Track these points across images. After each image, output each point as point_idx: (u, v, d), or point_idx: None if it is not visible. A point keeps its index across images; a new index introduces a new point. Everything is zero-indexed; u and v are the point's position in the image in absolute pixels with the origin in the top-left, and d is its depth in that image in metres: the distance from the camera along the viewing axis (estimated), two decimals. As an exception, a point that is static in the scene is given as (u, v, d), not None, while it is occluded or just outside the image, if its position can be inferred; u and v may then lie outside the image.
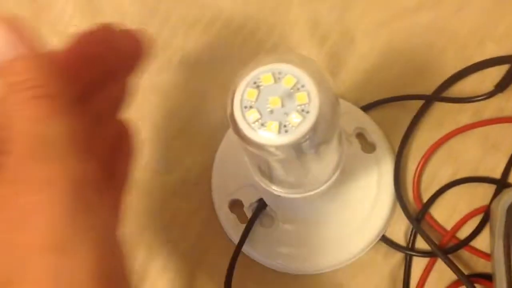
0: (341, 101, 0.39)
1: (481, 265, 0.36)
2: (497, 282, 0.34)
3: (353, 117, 0.39)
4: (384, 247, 0.37)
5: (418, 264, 0.36)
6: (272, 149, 0.25)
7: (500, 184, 0.37)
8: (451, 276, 0.36)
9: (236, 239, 0.36)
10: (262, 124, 0.25)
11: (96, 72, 0.26)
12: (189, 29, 0.41)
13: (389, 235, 0.37)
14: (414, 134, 0.39)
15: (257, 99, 0.25)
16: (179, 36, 0.41)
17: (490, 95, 0.38)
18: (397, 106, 0.39)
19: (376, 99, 0.39)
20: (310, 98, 0.25)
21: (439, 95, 0.39)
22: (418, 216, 0.37)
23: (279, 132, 0.25)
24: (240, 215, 0.37)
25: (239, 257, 0.36)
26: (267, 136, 0.25)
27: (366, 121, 0.39)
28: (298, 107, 0.25)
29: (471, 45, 0.39)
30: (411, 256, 0.37)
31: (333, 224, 0.36)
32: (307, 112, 0.25)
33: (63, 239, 0.22)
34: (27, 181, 0.22)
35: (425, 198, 0.38)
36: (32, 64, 0.23)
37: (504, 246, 0.33)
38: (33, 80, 0.23)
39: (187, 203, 0.38)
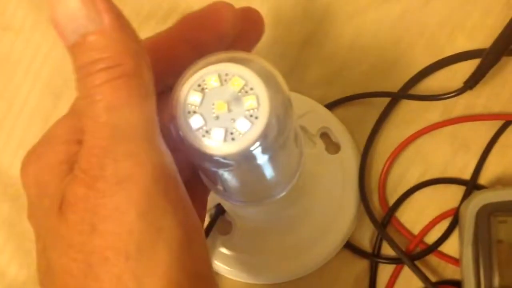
0: (305, 99, 0.37)
1: (450, 271, 0.35)
2: (466, 289, 0.32)
3: (317, 116, 0.37)
4: (348, 254, 0.35)
5: (384, 271, 0.35)
6: (219, 159, 0.23)
7: (470, 186, 0.36)
8: (418, 283, 0.34)
9: (191, 248, 0.34)
10: (207, 131, 0.23)
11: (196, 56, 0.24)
12: (142, 23, 0.39)
13: (353, 241, 0.36)
14: (381, 133, 0.37)
15: (201, 103, 0.23)
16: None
17: (459, 92, 0.36)
18: (363, 104, 0.37)
19: (341, 96, 0.37)
20: (259, 102, 0.23)
21: (406, 92, 0.37)
22: (384, 221, 0.35)
23: (225, 140, 0.23)
24: (197, 222, 0.35)
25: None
26: (212, 144, 0.23)
27: (331, 120, 0.37)
28: (246, 112, 0.23)
29: (441, 39, 0.38)
30: (376, 263, 0.35)
31: (294, 230, 0.35)
32: (256, 117, 0.23)
33: (139, 245, 0.20)
34: (100, 180, 0.20)
35: (391, 201, 0.36)
36: (108, 40, 0.20)
37: (473, 252, 0.32)
38: (108, 59, 0.20)
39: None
